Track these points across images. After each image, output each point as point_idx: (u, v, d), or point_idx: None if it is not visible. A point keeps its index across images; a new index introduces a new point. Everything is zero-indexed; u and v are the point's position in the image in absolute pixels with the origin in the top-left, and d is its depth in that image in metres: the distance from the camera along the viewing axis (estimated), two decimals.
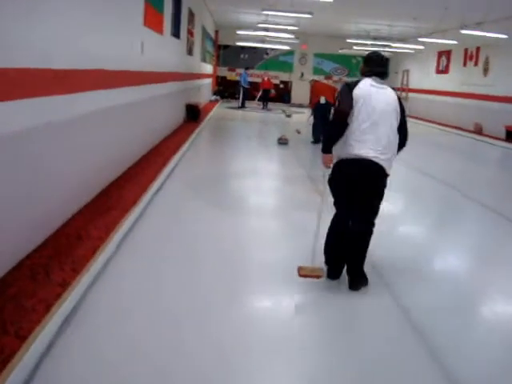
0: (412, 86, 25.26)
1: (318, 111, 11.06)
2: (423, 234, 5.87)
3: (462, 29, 13.44)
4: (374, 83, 3.82)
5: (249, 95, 23.45)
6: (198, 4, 15.74)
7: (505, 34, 13.47)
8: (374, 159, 3.70)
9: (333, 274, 3.99)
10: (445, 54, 21.46)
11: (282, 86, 27.81)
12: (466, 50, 19.40)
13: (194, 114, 14.14)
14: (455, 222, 6.41)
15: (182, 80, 12.60)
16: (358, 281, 3.91)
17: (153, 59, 8.42)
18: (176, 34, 11.06)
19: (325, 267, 3.96)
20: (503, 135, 16.24)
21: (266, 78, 23.61)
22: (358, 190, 3.81)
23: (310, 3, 12.83)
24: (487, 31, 13.38)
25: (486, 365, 3.08)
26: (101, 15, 5.39)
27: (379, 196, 3.88)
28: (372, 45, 22.50)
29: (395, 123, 3.80)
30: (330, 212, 4.04)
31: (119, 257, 4.13)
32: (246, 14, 20.62)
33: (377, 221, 3.92)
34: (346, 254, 3.95)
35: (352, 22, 20.24)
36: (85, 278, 3.51)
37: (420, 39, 17.11)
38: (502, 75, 16.97)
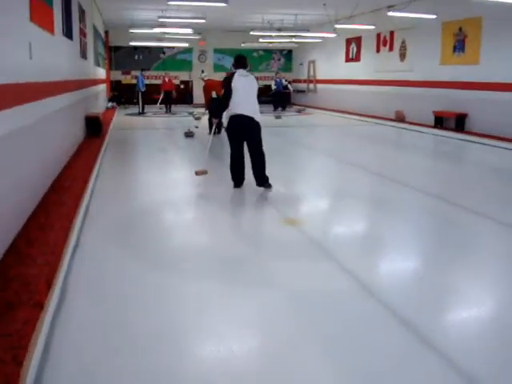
0: (320, 76, 24.21)
1: (212, 105, 11.58)
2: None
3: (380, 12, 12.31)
4: (240, 74, 6.65)
5: (147, 99, 21.38)
6: (88, 0, 13.57)
7: (434, 14, 12.46)
8: (244, 113, 6.54)
9: (237, 184, 6.87)
10: (354, 40, 20.50)
11: (182, 86, 25.87)
12: (378, 35, 18.49)
13: (95, 128, 12.04)
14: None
15: (78, 89, 10.51)
16: (262, 180, 6.76)
17: (44, 65, 6.41)
18: (68, 33, 8.99)
19: (232, 182, 6.88)
20: (428, 121, 15.43)
21: (167, 79, 21.59)
22: (243, 132, 6.69)
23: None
24: (412, 12, 12.34)
25: None
26: None
27: (257, 133, 6.69)
28: (277, 36, 21.22)
29: (253, 95, 6.64)
30: None
31: None
32: (140, 11, 18.55)
33: None
34: (253, 169, 6.77)
35: (256, 12, 18.75)
36: None
37: (337, 26, 15.87)
38: (421, 59, 16.17)
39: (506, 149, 11.25)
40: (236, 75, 6.60)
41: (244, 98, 6.52)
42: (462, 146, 12.67)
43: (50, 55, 7.03)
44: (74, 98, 9.73)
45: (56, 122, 7.46)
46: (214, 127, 8.38)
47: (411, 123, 16.25)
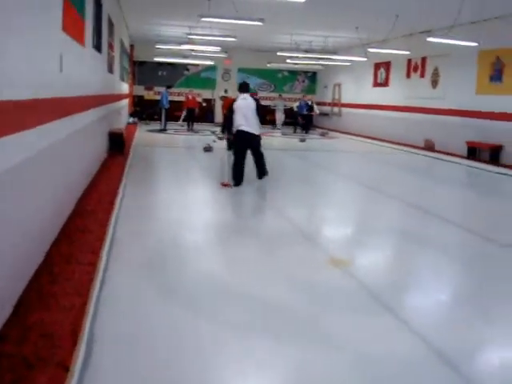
0: (345, 100, 23.75)
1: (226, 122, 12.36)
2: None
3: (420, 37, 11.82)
4: (241, 97, 8.56)
5: (170, 115, 21.05)
6: (116, 14, 13.27)
7: (475, 42, 11.96)
8: (244, 129, 8.37)
9: (237, 184, 8.41)
10: (383, 65, 20.06)
11: (204, 104, 25.50)
12: (409, 61, 18.01)
13: (118, 145, 11.63)
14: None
15: (104, 104, 10.11)
16: (261, 175, 8.80)
17: (74, 79, 5.99)
18: (98, 46, 8.61)
19: (232, 182, 8.42)
20: (459, 151, 14.86)
21: (190, 97, 21.25)
22: (245, 143, 8.52)
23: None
24: (453, 39, 11.86)
25: None
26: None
27: (256, 142, 8.59)
28: (304, 57, 20.83)
29: (252, 114, 8.37)
30: None
31: None
32: (168, 27, 18.30)
33: None
34: (259, 170, 8.84)
35: (285, 33, 18.39)
36: None
37: (370, 49, 15.41)
38: (454, 87, 15.65)
39: None
40: (238, 99, 8.63)
41: (242, 117, 8.40)
42: (498, 178, 12.08)
43: (80, 68, 6.61)
44: (100, 114, 9.33)
45: (82, 139, 7.02)
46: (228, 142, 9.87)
47: (441, 152, 15.69)
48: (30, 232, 3.92)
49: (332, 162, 14.59)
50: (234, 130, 8.52)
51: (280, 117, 24.20)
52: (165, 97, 20.62)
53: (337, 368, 3.01)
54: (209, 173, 10.40)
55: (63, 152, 5.37)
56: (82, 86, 6.73)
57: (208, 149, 13.17)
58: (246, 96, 8.56)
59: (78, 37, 6.21)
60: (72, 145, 5.96)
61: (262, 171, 8.84)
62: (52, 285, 3.76)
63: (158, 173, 10.35)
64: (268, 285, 4.31)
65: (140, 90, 25.25)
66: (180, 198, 8.03)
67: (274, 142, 18.68)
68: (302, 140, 18.37)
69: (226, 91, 21.61)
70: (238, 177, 8.48)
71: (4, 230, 3.18)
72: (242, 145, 8.54)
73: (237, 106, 8.44)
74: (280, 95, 25.36)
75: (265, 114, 9.21)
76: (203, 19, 10.29)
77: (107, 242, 4.96)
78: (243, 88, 8.79)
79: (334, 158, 15.38)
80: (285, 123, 23.90)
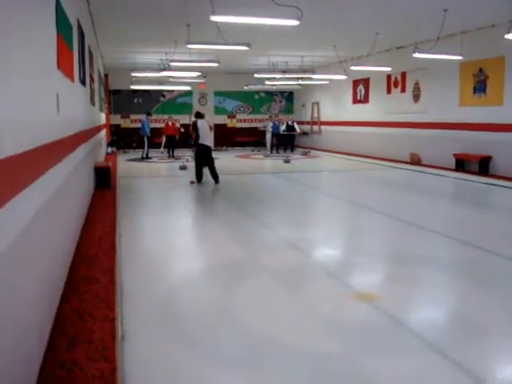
0: (325, 118, 23.68)
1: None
2: None
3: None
4: (202, 120, 12.25)
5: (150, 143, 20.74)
6: (94, 43, 12.96)
7: (457, 55, 11.93)
8: (205, 143, 12.04)
9: (199, 181, 12.27)
10: (361, 82, 20.05)
11: (182, 129, 25.15)
12: (388, 77, 18.01)
13: (105, 179, 11.24)
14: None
15: (90, 138, 9.77)
16: (216, 180, 12.08)
17: (68, 118, 5.65)
18: (83, 79, 8.29)
19: (196, 179, 12.27)
20: (447, 164, 14.80)
21: (170, 123, 20.97)
22: (203, 156, 12.05)
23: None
24: (436, 53, 11.81)
25: None
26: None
27: (211, 154, 12.19)
28: (281, 78, 20.75)
29: (209, 131, 12.33)
30: None
31: None
32: (144, 54, 18.04)
33: None
34: (211, 175, 12.15)
35: (262, 55, 18.25)
36: None
37: (353, 67, 15.32)
38: (437, 100, 15.65)
39: None
40: (198, 121, 12.22)
41: (204, 135, 12.05)
42: (488, 189, 12.02)
43: (72, 105, 6.28)
44: (88, 149, 8.98)
45: (74, 178, 6.64)
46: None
47: (428, 166, 15.63)
48: (41, 291, 3.56)
49: (319, 182, 14.40)
50: (199, 143, 12.07)
51: (270, 139, 23.55)
52: (146, 124, 20.30)
53: None
54: (198, 201, 10.08)
55: (60, 200, 5.01)
56: (75, 124, 6.40)
57: (183, 167, 15.27)
58: (204, 120, 12.32)
59: (69, 72, 5.89)
60: (66, 189, 5.59)
61: (216, 177, 12.15)
62: (72, 350, 3.40)
63: (149, 207, 9.96)
64: (298, 330, 4.00)
65: (116, 119, 24.88)
66: (176, 230, 7.70)
67: (259, 164, 18.45)
68: (287, 161, 18.17)
69: (203, 115, 21.40)
70: (199, 177, 12.36)
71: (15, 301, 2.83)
72: (202, 155, 12.08)
73: (200, 126, 12.04)
74: (271, 116, 25.23)
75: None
76: (189, 46, 10.00)
77: (118, 292, 4.60)
78: (199, 115, 12.50)
79: (321, 179, 15.20)
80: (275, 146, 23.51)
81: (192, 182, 12.18)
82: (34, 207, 3.26)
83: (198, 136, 11.95)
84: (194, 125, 12.16)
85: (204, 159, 12.06)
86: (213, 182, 12.19)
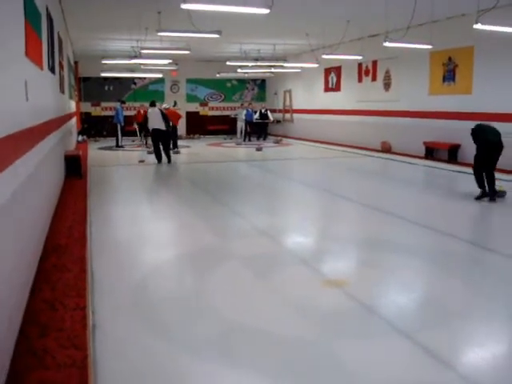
0: (297, 106, 23.75)
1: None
2: None
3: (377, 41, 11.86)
4: (152, 108, 14.43)
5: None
6: (63, 29, 12.77)
7: (427, 44, 12.07)
8: (156, 127, 13.87)
9: (159, 161, 14.07)
10: (333, 70, 20.14)
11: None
12: (360, 65, 18.13)
13: (76, 169, 11.14)
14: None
15: (60, 126, 9.65)
16: (168, 159, 14.16)
17: (37, 106, 5.59)
18: (52, 67, 8.18)
19: (156, 160, 14.15)
20: (417, 152, 15.02)
21: (142, 111, 20.77)
22: (157, 137, 13.94)
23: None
24: (406, 42, 11.92)
25: None
26: None
27: (167, 137, 14.20)
28: (253, 66, 20.74)
29: (159, 118, 13.85)
30: None
31: None
32: (114, 41, 17.82)
33: None
34: (166, 156, 14.13)
35: (234, 42, 18.19)
36: None
37: (324, 56, 15.37)
38: (408, 89, 15.83)
39: (502, 180, 10.69)
40: (149, 110, 14.31)
41: (153, 120, 13.88)
42: (456, 177, 12.23)
43: (41, 94, 6.21)
44: (58, 137, 8.88)
45: (44, 167, 6.58)
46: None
47: (399, 154, 15.83)
48: (10, 280, 3.55)
49: (292, 170, 14.48)
50: (150, 129, 14.09)
51: (241, 127, 22.84)
52: (120, 112, 20.09)
53: None
54: (170, 189, 10.07)
55: (29, 190, 4.97)
56: (44, 112, 6.32)
57: (141, 161, 15.28)
58: (154, 109, 14.23)
59: (38, 60, 5.82)
60: (36, 178, 5.55)
61: (169, 158, 14.14)
62: (44, 338, 3.41)
63: (122, 196, 9.90)
64: (267, 314, 4.07)
65: (87, 107, 24.54)
66: (148, 217, 7.70)
67: (231, 152, 18.44)
68: (259, 149, 18.20)
69: (175, 103, 21.32)
70: (158, 158, 14.10)
71: None
72: (156, 138, 13.91)
73: (150, 114, 14.07)
74: (242, 104, 25.18)
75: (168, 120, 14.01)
76: (160, 33, 9.93)
77: (89, 280, 4.60)
78: (152, 104, 14.79)
79: (294, 166, 15.27)
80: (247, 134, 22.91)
81: (141, 161, 14.56)
82: (2, 197, 3.24)
83: (146, 122, 14.44)
84: (145, 113, 14.69)
85: (158, 140, 13.88)
86: (186, 169, 12.82)
